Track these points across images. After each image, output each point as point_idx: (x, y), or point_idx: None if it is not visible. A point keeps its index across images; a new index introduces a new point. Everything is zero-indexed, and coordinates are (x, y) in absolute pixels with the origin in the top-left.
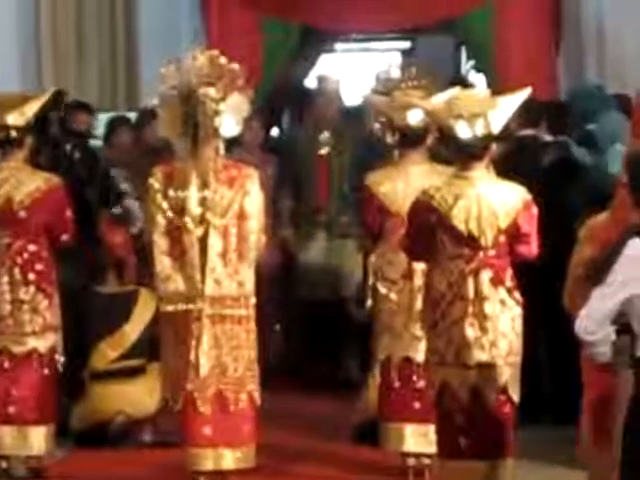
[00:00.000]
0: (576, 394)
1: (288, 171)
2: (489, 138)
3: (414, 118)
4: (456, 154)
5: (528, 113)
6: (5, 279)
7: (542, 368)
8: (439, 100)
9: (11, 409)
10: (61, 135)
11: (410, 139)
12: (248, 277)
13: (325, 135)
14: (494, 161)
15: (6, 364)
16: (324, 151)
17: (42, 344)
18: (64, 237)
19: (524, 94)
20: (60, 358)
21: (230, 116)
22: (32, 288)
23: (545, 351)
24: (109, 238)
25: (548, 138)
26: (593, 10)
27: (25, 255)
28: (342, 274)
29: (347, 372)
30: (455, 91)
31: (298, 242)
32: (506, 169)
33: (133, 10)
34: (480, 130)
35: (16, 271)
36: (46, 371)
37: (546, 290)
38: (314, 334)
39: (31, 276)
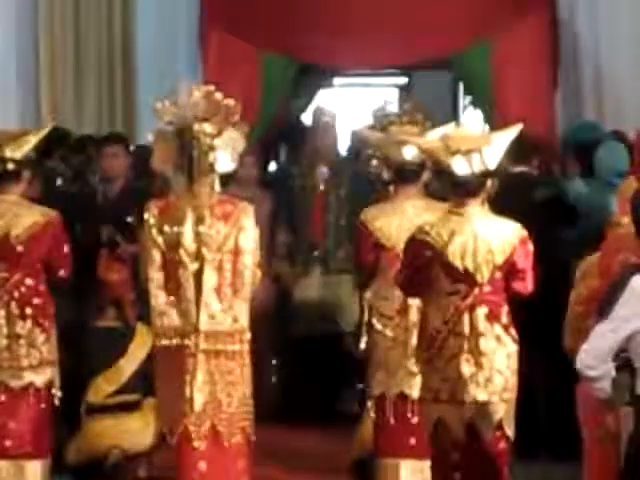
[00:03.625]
0: (573, 429)
1: (284, 206)
2: (485, 174)
3: (409, 154)
4: (452, 190)
5: (520, 149)
6: (2, 313)
7: (538, 403)
8: (433, 137)
9: (7, 443)
10: (54, 169)
11: (405, 175)
12: (243, 312)
13: (322, 170)
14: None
15: (3, 398)
16: (321, 186)
17: (39, 378)
18: (62, 272)
19: (516, 130)
20: (57, 392)
21: (225, 152)
22: (29, 322)
23: (542, 386)
24: (107, 276)
25: (537, 174)
26: (591, 47)
27: (22, 289)
28: (338, 309)
29: (346, 407)
30: (449, 128)
31: (294, 277)
32: (498, 206)
33: (131, 45)
34: (477, 166)
35: (13, 305)
36: (43, 405)
37: (541, 325)
38: (310, 369)
39: (28, 310)
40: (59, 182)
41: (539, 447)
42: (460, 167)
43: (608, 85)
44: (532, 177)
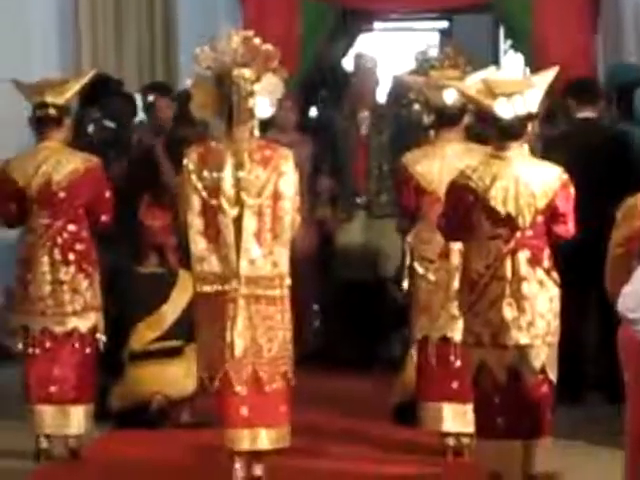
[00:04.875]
0: (617, 372)
1: (326, 151)
2: (529, 117)
3: (450, 98)
4: (495, 134)
5: (588, 93)
6: (45, 259)
7: (586, 347)
8: (474, 81)
9: (52, 388)
10: (84, 115)
11: (446, 119)
12: (283, 257)
13: (364, 114)
14: (551, 140)
15: (47, 344)
16: (363, 131)
17: (83, 324)
18: (104, 218)
19: (553, 72)
20: (101, 338)
21: (264, 97)
22: (72, 268)
23: (594, 330)
24: (148, 221)
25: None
26: None
27: (65, 235)
28: (381, 254)
29: (388, 351)
30: (489, 71)
31: (337, 222)
32: (564, 150)
33: None
34: (520, 109)
35: (56, 251)
36: (87, 350)
37: (585, 268)
38: (352, 314)
39: (71, 256)
40: (90, 129)
41: (582, 390)
42: (503, 110)
43: None
44: (596, 122)
